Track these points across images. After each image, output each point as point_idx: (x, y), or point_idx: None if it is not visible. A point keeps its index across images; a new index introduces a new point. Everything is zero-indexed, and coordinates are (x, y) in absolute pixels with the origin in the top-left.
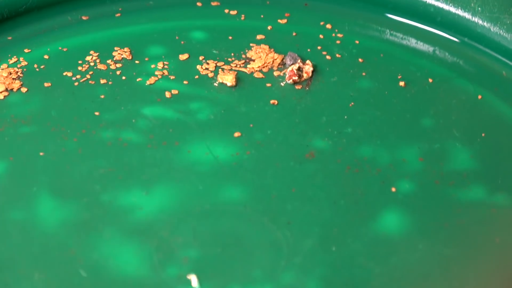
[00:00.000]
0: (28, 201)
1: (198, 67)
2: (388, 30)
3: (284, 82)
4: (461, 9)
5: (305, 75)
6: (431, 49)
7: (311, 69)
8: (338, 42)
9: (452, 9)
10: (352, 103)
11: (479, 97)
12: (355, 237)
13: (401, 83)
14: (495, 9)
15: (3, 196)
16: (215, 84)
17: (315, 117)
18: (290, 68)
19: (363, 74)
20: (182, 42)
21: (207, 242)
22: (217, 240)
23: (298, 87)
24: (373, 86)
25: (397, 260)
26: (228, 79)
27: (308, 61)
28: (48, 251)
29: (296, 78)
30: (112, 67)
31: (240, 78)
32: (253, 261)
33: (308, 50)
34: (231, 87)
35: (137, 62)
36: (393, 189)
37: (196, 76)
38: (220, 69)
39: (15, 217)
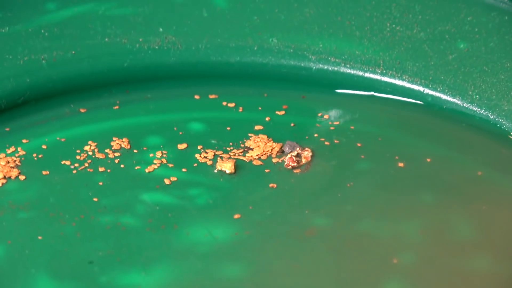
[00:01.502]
0: (27, 283)
1: (197, 156)
2: (384, 117)
3: (283, 168)
4: (459, 97)
5: (304, 160)
6: (430, 130)
7: (310, 154)
8: (332, 128)
9: (450, 98)
10: (352, 183)
11: (479, 173)
12: None
13: (400, 164)
14: (493, 95)
15: (2, 278)
16: (214, 171)
17: (314, 197)
18: (289, 156)
19: (362, 157)
20: (180, 133)
21: None
22: None
23: (296, 171)
24: (372, 168)
25: None
26: (227, 166)
27: (307, 148)
28: None
29: (294, 164)
30: (111, 156)
31: (239, 165)
32: None
33: (306, 137)
34: (230, 174)
35: (135, 151)
36: (395, 261)
37: (195, 164)
38: (219, 158)
39: None
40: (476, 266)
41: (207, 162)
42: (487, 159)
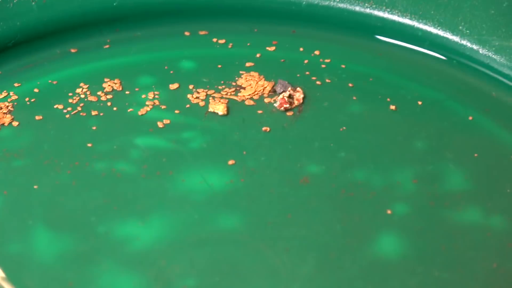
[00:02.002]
0: (24, 234)
1: (189, 96)
2: (376, 54)
3: (275, 109)
4: (449, 32)
5: (296, 102)
6: (420, 72)
7: (302, 95)
8: (323, 66)
9: (440, 33)
10: (344, 128)
11: (470, 118)
12: (352, 261)
13: (392, 107)
14: (483, 31)
15: (0, 230)
16: (206, 113)
17: (308, 143)
18: (281, 96)
19: (354, 98)
20: (171, 72)
21: (205, 270)
22: (214, 268)
23: (289, 113)
24: (364, 110)
25: (395, 284)
26: (219, 108)
27: (298, 88)
28: (46, 283)
29: (287, 105)
30: (103, 98)
31: (231, 106)
32: None
33: (298, 75)
34: (223, 115)
35: (127, 92)
36: (389, 212)
37: (187, 105)
38: (211, 98)
39: (12, 251)
40: (468, 218)
41: (200, 103)
42: (477, 103)
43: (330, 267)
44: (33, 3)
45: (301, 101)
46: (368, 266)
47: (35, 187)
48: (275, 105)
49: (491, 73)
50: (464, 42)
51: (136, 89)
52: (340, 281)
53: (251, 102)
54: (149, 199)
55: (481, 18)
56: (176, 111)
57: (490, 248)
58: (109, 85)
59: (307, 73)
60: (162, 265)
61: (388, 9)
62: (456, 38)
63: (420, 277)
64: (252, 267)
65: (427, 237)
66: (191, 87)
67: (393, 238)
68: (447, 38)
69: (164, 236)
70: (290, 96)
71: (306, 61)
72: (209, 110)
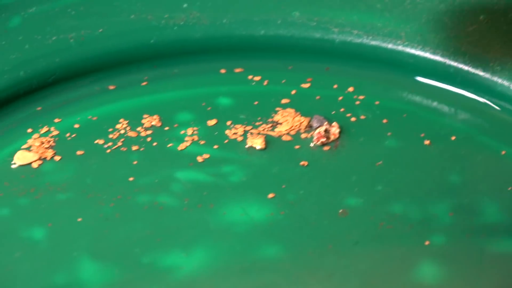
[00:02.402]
0: (70, 265)
1: (227, 131)
2: (408, 91)
3: (312, 144)
4: (481, 69)
5: (332, 137)
6: (452, 107)
7: (338, 130)
8: (357, 103)
9: (471, 69)
10: (380, 162)
11: (503, 152)
12: None
13: (426, 142)
14: None
15: (45, 261)
16: (245, 147)
17: (345, 177)
18: (317, 130)
19: (389, 134)
20: (209, 108)
21: None
22: None
23: (326, 148)
24: (399, 145)
25: None
26: (257, 142)
27: (334, 123)
28: None
29: (324, 139)
30: (143, 134)
31: (268, 141)
32: None
33: (333, 112)
34: (261, 150)
35: (166, 128)
36: (427, 243)
37: (226, 141)
38: (248, 133)
39: (57, 282)
40: (504, 247)
41: (238, 138)
42: (510, 138)
43: None
44: (72, 40)
45: (338, 135)
46: None
47: (79, 219)
48: (313, 139)
49: None
50: (495, 79)
51: (175, 125)
52: None
53: (288, 138)
54: (192, 230)
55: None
56: (215, 146)
57: None
58: (148, 121)
59: (342, 109)
60: None
61: (420, 46)
62: (487, 75)
63: None
64: None
65: (464, 265)
66: (228, 123)
67: (431, 267)
68: (478, 75)
69: (207, 266)
70: (326, 131)
71: (340, 98)
72: (248, 144)
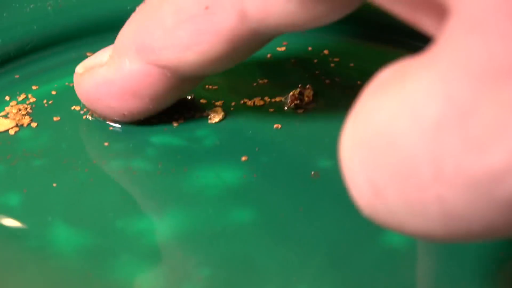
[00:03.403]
0: (43, 230)
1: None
2: (383, 53)
3: (286, 107)
4: None
5: (306, 99)
6: None
7: (312, 92)
8: (332, 65)
9: None
10: None
11: None
12: (363, 253)
13: None
14: None
15: (19, 226)
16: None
17: (319, 139)
18: (291, 93)
19: None
20: None
21: (219, 261)
22: (228, 259)
23: (300, 111)
24: None
25: (406, 272)
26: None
27: (308, 86)
28: (65, 276)
29: (297, 102)
30: None
31: (242, 105)
32: (265, 279)
33: (306, 75)
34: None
35: None
36: None
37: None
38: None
39: (31, 245)
40: None
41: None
42: None
43: (341, 258)
44: (49, 7)
45: (311, 98)
46: (379, 256)
47: (54, 185)
48: (287, 102)
49: None
50: None
51: None
52: (351, 271)
53: (261, 102)
54: (165, 194)
55: None
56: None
57: None
58: None
59: (317, 72)
60: (178, 257)
61: None
62: None
63: (429, 264)
64: (264, 259)
65: None
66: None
67: None
68: None
69: (180, 229)
70: (300, 93)
71: (315, 61)
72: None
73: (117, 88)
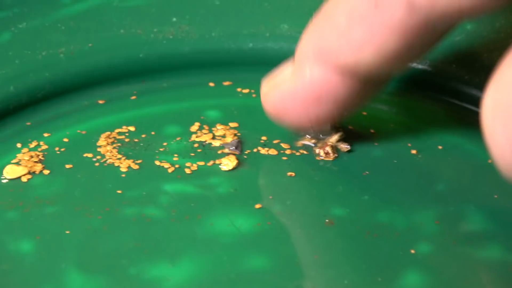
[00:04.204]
0: (57, 277)
1: (215, 144)
2: (395, 101)
3: (299, 153)
4: (468, 78)
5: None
6: (439, 117)
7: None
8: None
9: (459, 79)
10: (367, 172)
11: (489, 161)
12: None
13: (413, 151)
14: None
15: (33, 273)
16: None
17: (332, 187)
18: (330, 142)
19: (376, 144)
20: (197, 122)
21: None
22: None
23: (318, 158)
24: (386, 155)
25: None
26: (228, 163)
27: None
28: None
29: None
30: (132, 147)
31: (256, 153)
32: None
33: None
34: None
35: (155, 141)
36: (412, 251)
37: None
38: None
39: None
40: (490, 255)
41: (225, 151)
42: None
43: None
44: (61, 55)
45: (349, 147)
46: None
47: (67, 232)
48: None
49: None
50: (482, 88)
51: (163, 138)
52: None
53: (275, 152)
54: (179, 242)
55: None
56: (203, 159)
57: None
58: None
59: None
60: None
61: None
62: (474, 84)
63: None
64: None
65: (451, 272)
66: (218, 136)
67: (417, 275)
68: (465, 84)
69: (194, 276)
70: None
71: None
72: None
73: (301, 96)
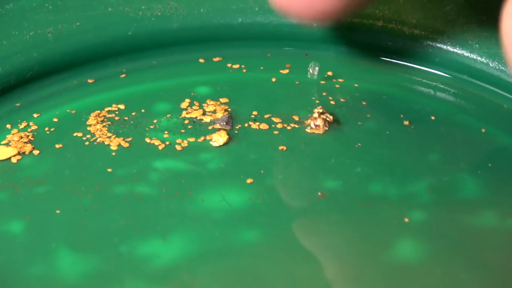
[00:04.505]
0: (48, 256)
1: (205, 120)
2: (387, 73)
3: (291, 127)
4: (459, 48)
5: (328, 118)
6: (431, 88)
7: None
8: (337, 86)
9: (450, 48)
10: (359, 144)
11: (483, 130)
12: (372, 267)
13: (405, 122)
14: (493, 44)
15: (23, 253)
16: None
17: (324, 160)
18: (314, 114)
19: (368, 116)
20: (188, 98)
21: (227, 282)
22: (236, 279)
23: (310, 131)
24: (378, 127)
25: (416, 286)
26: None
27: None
28: None
29: (322, 124)
30: (122, 125)
31: (247, 128)
32: None
33: (313, 97)
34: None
35: (145, 119)
36: (406, 220)
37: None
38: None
39: (35, 273)
40: (485, 222)
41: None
42: (490, 115)
43: (350, 273)
44: (49, 34)
45: (332, 118)
46: (388, 270)
47: (58, 211)
48: (315, 124)
49: (501, 88)
50: (473, 56)
51: (154, 115)
52: (361, 286)
53: (266, 126)
54: (170, 218)
55: (491, 32)
56: (194, 135)
57: (507, 249)
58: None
59: (324, 93)
60: (185, 279)
61: (398, 27)
62: (465, 53)
63: (439, 278)
64: (272, 276)
65: (445, 240)
66: (208, 111)
67: (411, 243)
68: (456, 53)
69: (185, 252)
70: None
71: (321, 82)
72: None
73: None
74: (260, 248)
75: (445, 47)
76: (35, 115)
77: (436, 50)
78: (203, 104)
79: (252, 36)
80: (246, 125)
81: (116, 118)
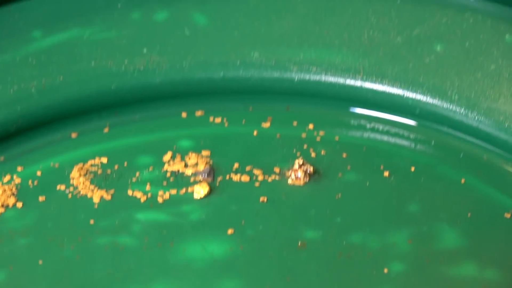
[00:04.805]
0: None
1: (188, 173)
2: (367, 125)
3: (271, 180)
4: (438, 99)
5: (310, 170)
6: (411, 139)
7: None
8: (318, 139)
9: (430, 100)
10: (339, 195)
11: (462, 181)
12: None
13: (386, 173)
14: (472, 95)
15: None
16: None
17: (304, 210)
18: (295, 166)
19: (348, 167)
20: (170, 151)
21: None
22: None
23: (291, 182)
24: (359, 178)
25: None
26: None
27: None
28: None
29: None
30: (105, 178)
31: (228, 180)
32: None
33: (294, 150)
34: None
35: (127, 172)
36: (386, 270)
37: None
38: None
39: None
40: (464, 272)
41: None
42: (469, 166)
43: None
44: (33, 89)
45: (313, 170)
46: None
47: (40, 262)
48: (295, 176)
49: (481, 139)
50: (453, 108)
51: (136, 168)
52: None
53: (247, 178)
54: (152, 268)
55: (469, 82)
56: (175, 188)
57: None
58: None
59: (305, 146)
60: None
61: (378, 80)
62: (445, 105)
63: None
64: None
65: None
66: (190, 164)
67: None
68: (435, 105)
69: None
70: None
71: (302, 135)
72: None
73: None
74: None
75: (424, 98)
76: (19, 169)
77: (415, 102)
78: (185, 157)
79: (234, 90)
80: (227, 177)
81: (99, 171)
